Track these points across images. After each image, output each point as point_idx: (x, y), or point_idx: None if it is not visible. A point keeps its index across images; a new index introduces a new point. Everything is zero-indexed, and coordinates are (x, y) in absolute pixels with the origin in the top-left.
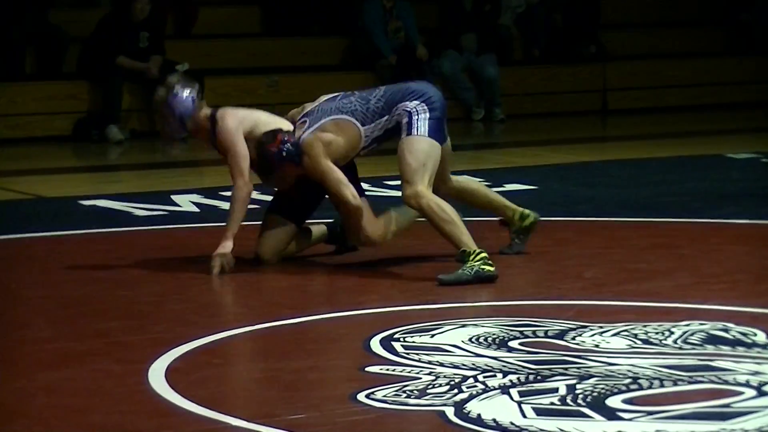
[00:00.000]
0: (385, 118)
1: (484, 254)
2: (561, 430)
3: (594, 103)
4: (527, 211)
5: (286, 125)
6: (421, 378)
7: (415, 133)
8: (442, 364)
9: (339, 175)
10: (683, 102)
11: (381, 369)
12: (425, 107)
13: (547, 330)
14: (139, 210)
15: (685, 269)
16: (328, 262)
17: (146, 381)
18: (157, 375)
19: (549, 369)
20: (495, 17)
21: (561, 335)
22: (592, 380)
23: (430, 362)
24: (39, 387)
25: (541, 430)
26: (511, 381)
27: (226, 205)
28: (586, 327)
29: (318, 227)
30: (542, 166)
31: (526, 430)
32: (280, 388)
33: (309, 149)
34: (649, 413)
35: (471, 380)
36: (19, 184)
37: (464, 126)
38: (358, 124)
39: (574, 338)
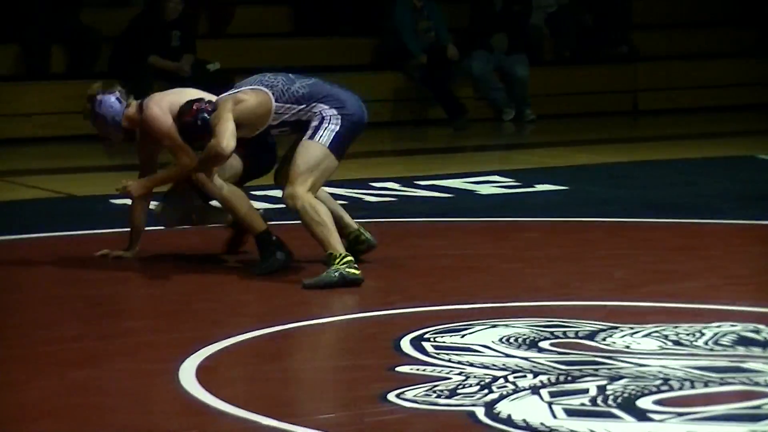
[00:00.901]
0: (302, 106)
1: (349, 258)
2: (591, 430)
3: (625, 104)
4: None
5: (211, 98)
6: (451, 378)
7: (317, 139)
8: (472, 365)
9: (231, 125)
10: (714, 102)
11: (411, 369)
12: (339, 119)
13: (578, 331)
14: None
15: (715, 270)
16: (356, 262)
17: (176, 380)
18: (186, 374)
19: (579, 370)
20: (525, 17)
21: (591, 336)
22: (622, 381)
23: (460, 362)
24: (68, 386)
25: (571, 430)
26: (541, 381)
27: (257, 205)
28: (616, 328)
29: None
30: (572, 167)
31: (556, 430)
32: (310, 388)
33: (219, 104)
34: (680, 414)
35: (501, 380)
36: (50, 182)
37: (494, 126)
38: (272, 98)
39: (604, 339)
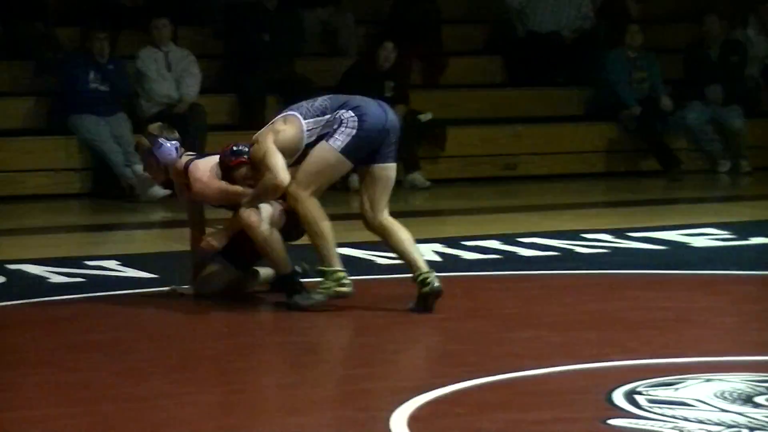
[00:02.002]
0: (327, 116)
1: (341, 273)
2: None
3: None
4: (428, 278)
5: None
6: None
7: (331, 142)
8: (686, 419)
9: (280, 157)
10: None
11: (624, 422)
12: (355, 123)
13: None
14: (381, 258)
15: None
16: (569, 315)
17: (388, 429)
18: (399, 423)
19: None
20: (741, 68)
21: None
22: None
23: (674, 416)
24: None
25: None
26: None
27: (467, 255)
28: None
29: (266, 270)
30: None
31: None
32: None
33: (259, 136)
34: None
35: None
36: None
37: (710, 178)
38: (301, 118)
39: None
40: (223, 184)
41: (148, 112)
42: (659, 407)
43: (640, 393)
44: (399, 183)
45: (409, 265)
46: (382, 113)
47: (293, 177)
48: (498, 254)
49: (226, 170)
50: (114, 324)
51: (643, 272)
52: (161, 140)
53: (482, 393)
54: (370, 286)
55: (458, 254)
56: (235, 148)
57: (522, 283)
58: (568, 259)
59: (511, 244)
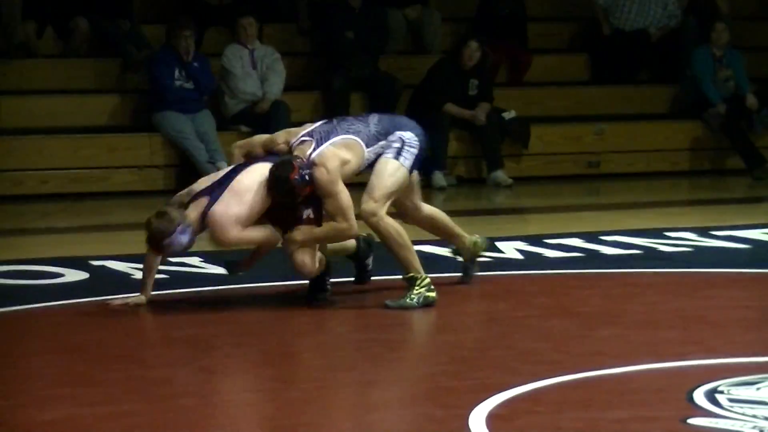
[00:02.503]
0: (382, 142)
1: (428, 280)
2: None
3: None
4: (477, 239)
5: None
6: None
7: (402, 160)
8: (767, 419)
9: (348, 196)
10: None
11: (705, 421)
12: (417, 142)
13: None
14: (460, 257)
15: None
16: (651, 313)
17: (467, 427)
18: (478, 421)
19: None
20: None
21: None
22: None
23: (755, 416)
24: (361, 429)
25: None
26: None
27: (549, 253)
28: None
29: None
30: None
31: None
32: None
33: (326, 162)
34: None
35: None
36: None
37: None
38: (363, 145)
39: None
40: (244, 235)
41: (232, 110)
42: (740, 406)
43: (721, 392)
44: (482, 181)
45: (460, 237)
46: (425, 134)
47: (375, 194)
48: (580, 252)
49: (288, 194)
50: (196, 320)
51: (726, 271)
52: (172, 238)
53: (562, 391)
54: (451, 284)
55: (540, 252)
56: (303, 174)
57: (604, 281)
58: (651, 257)
59: (593, 242)
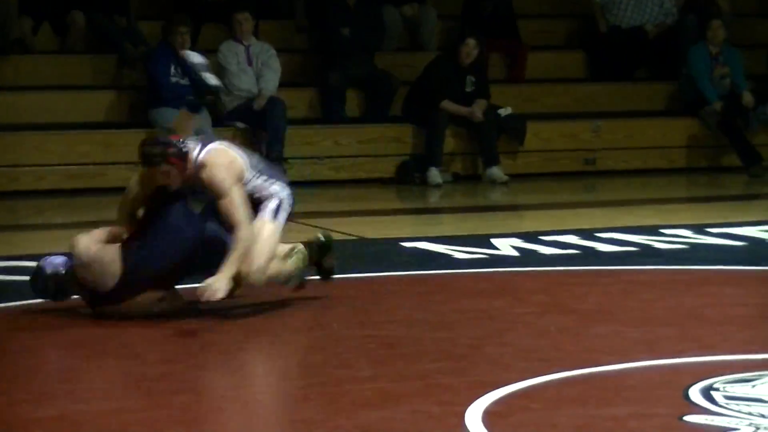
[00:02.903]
0: (266, 181)
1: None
2: None
3: None
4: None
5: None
6: (740, 429)
7: (279, 222)
8: (763, 416)
9: (243, 196)
10: None
11: (700, 419)
12: (290, 200)
13: None
14: (458, 253)
15: None
16: (647, 310)
17: (463, 424)
18: (474, 418)
19: None
20: None
21: None
22: None
23: (750, 413)
24: (358, 426)
25: None
26: None
27: (545, 250)
28: None
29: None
30: None
31: None
32: None
33: (216, 157)
34: None
35: None
36: (343, 225)
37: None
38: (246, 162)
39: None
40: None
41: (228, 106)
42: (736, 404)
43: (716, 389)
44: (478, 178)
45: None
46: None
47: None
48: (576, 249)
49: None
50: (192, 316)
51: (722, 268)
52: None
53: (559, 388)
54: (447, 281)
55: (536, 249)
56: (181, 147)
57: (600, 278)
58: (647, 254)
59: (589, 240)
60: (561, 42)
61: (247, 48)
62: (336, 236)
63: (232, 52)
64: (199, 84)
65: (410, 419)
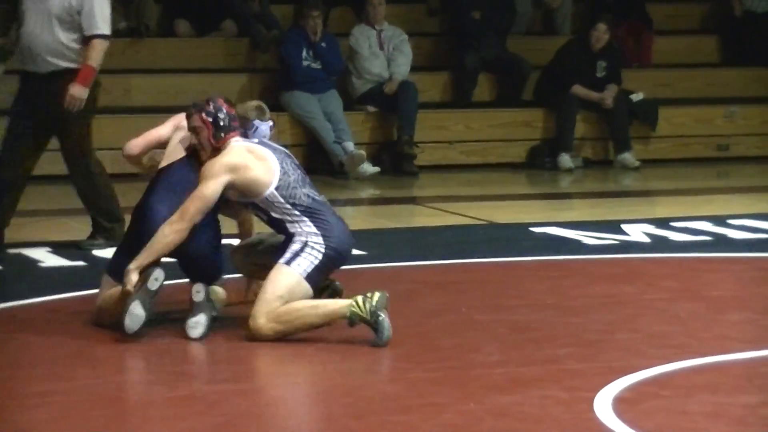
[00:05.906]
0: (295, 213)
1: (357, 300)
2: None
3: None
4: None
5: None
6: None
7: (295, 267)
8: None
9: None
10: None
11: None
12: (322, 248)
13: None
14: (588, 238)
15: None
16: None
17: (592, 409)
18: (603, 404)
19: None
20: None
21: None
22: None
23: None
24: (487, 411)
25: None
26: None
27: (677, 236)
28: None
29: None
30: None
31: None
32: (729, 423)
33: (228, 152)
34: None
35: None
36: (473, 209)
37: None
38: (276, 181)
39: None
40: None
41: (359, 90)
42: None
43: None
44: (609, 163)
45: None
46: (345, 236)
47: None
48: (708, 236)
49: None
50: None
51: None
52: (255, 122)
53: (690, 375)
54: (577, 266)
55: (667, 235)
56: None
57: (733, 265)
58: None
59: (721, 226)
60: (694, 26)
61: (379, 32)
62: (466, 221)
63: (364, 36)
64: None
65: (539, 404)
